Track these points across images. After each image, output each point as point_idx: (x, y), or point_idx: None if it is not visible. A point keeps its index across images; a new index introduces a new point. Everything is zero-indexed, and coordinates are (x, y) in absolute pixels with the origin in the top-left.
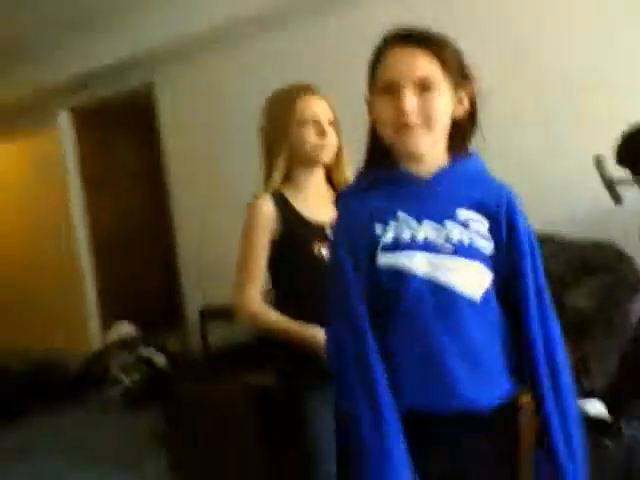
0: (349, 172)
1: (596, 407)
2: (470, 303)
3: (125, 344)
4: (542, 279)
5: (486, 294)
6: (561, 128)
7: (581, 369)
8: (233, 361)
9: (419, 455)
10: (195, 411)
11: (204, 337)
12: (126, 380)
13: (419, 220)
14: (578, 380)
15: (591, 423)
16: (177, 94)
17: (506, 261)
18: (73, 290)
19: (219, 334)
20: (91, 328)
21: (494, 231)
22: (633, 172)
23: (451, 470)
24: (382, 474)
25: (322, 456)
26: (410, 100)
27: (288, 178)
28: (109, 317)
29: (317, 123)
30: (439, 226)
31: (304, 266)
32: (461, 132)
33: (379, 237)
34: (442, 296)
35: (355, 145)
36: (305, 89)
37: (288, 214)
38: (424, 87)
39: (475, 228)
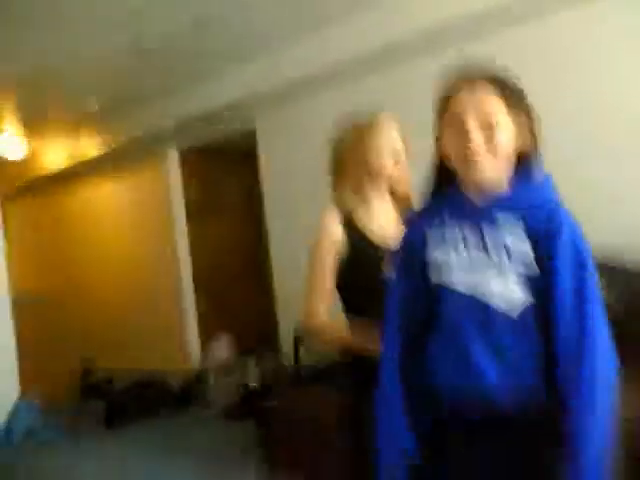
0: (409, 185)
1: None
2: (507, 319)
3: (222, 368)
4: (590, 303)
5: (524, 312)
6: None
7: None
8: (323, 378)
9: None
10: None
11: (297, 360)
12: (222, 401)
13: (471, 242)
14: None
15: None
16: (276, 137)
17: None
18: (177, 313)
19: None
20: (191, 348)
21: (539, 255)
22: None
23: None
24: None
25: None
26: (477, 136)
27: (356, 192)
28: (208, 341)
29: (396, 153)
30: (486, 249)
31: (372, 289)
32: (524, 162)
33: (431, 257)
34: (481, 312)
35: None
36: (372, 122)
37: (353, 235)
38: (489, 123)
39: (519, 252)
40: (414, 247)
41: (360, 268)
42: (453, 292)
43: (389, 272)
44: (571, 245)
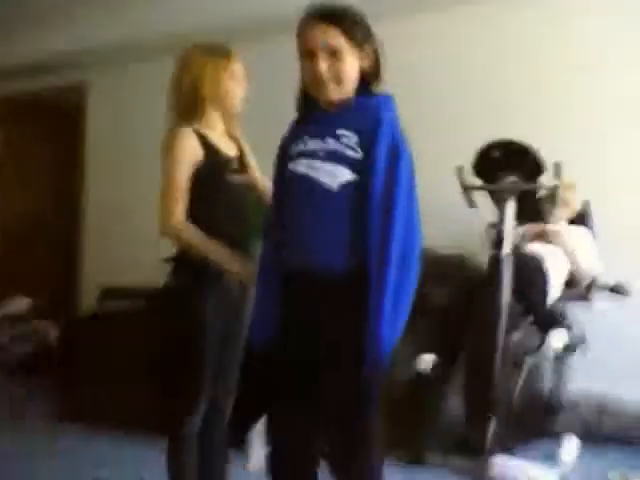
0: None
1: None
2: (328, 192)
3: (18, 317)
4: (399, 188)
5: (343, 187)
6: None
7: None
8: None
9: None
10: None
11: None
12: (17, 350)
13: (314, 138)
14: None
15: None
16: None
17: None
18: None
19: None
20: None
21: (363, 145)
22: (484, 181)
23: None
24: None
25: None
26: (322, 64)
27: (202, 115)
28: (6, 293)
29: (241, 79)
30: (323, 141)
31: (222, 194)
32: (368, 78)
33: (291, 151)
34: (310, 186)
35: None
36: (231, 49)
37: (208, 148)
38: (333, 53)
39: (345, 142)
40: (282, 157)
41: (214, 175)
42: (297, 176)
43: (233, 178)
44: (388, 135)
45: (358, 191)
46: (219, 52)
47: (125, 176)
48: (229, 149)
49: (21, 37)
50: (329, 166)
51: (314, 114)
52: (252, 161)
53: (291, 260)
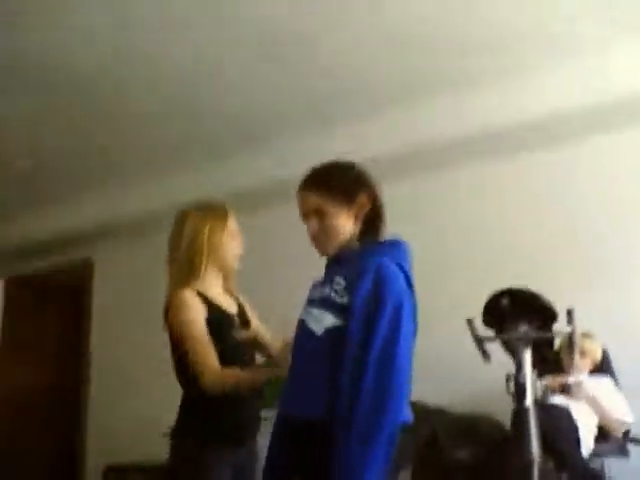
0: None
1: None
2: (314, 337)
3: None
4: (376, 336)
5: (328, 332)
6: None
7: None
8: None
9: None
10: None
11: None
12: None
13: (320, 286)
14: None
15: None
16: (115, 273)
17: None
18: None
19: None
20: None
21: (349, 290)
22: (496, 331)
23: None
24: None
25: None
26: (312, 226)
27: (199, 274)
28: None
29: (238, 236)
30: (322, 288)
31: (228, 351)
32: (371, 226)
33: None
34: (302, 331)
35: None
36: (226, 207)
37: (210, 306)
38: (318, 213)
39: (335, 287)
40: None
41: (219, 333)
42: (298, 322)
43: (239, 334)
44: (369, 281)
45: (342, 337)
46: (216, 210)
47: (130, 348)
48: (230, 306)
49: (22, 218)
50: (317, 311)
51: (329, 264)
52: (254, 316)
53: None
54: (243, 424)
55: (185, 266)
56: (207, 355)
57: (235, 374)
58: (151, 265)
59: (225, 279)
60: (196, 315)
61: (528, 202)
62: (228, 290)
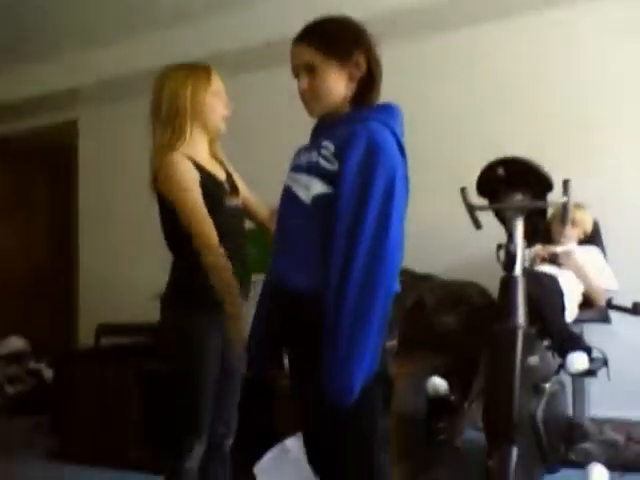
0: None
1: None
2: (303, 205)
3: (15, 357)
4: (370, 204)
5: (316, 200)
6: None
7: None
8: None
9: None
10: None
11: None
12: (11, 390)
13: (307, 151)
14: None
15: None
16: (100, 135)
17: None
18: None
19: None
20: None
21: (338, 156)
22: (490, 201)
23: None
24: None
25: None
26: (302, 82)
27: (186, 136)
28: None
29: (223, 96)
30: (310, 153)
31: (220, 219)
32: (366, 89)
33: (291, 164)
34: (289, 199)
35: None
36: (210, 67)
37: (202, 172)
38: (309, 70)
39: (324, 153)
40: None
41: (211, 200)
42: (284, 189)
43: (229, 201)
44: (361, 146)
45: (331, 205)
46: (198, 69)
47: (117, 212)
48: (218, 172)
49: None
50: (305, 178)
51: (317, 128)
52: (241, 183)
53: (269, 274)
54: None
55: (169, 128)
56: (206, 224)
57: (233, 281)
58: (136, 128)
59: (211, 143)
60: (190, 183)
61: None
62: (214, 155)
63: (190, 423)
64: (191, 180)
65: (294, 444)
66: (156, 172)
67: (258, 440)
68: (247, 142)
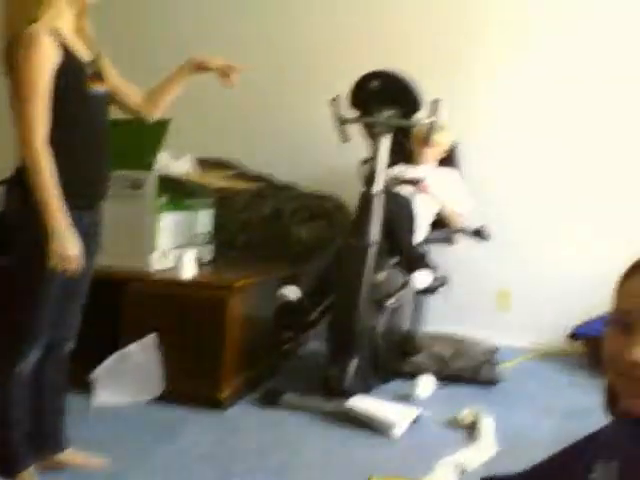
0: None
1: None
2: None
3: None
4: None
5: None
6: None
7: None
8: None
9: None
10: None
11: None
12: None
13: None
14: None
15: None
16: None
17: None
18: None
19: None
20: None
21: None
22: (360, 114)
23: None
24: None
25: None
26: None
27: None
28: None
29: None
30: None
31: (82, 110)
32: None
33: None
34: None
35: None
36: None
37: (66, 51)
38: None
39: None
40: None
41: (71, 86)
42: None
43: (93, 88)
44: None
45: None
46: None
47: None
48: (83, 52)
49: None
50: None
51: None
52: (110, 67)
53: None
54: (92, 184)
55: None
56: (38, 117)
57: (48, 173)
58: None
59: (80, 16)
60: (44, 63)
61: None
62: (81, 30)
63: (27, 329)
64: (47, 69)
65: (137, 349)
66: (13, 45)
67: (101, 345)
68: None
